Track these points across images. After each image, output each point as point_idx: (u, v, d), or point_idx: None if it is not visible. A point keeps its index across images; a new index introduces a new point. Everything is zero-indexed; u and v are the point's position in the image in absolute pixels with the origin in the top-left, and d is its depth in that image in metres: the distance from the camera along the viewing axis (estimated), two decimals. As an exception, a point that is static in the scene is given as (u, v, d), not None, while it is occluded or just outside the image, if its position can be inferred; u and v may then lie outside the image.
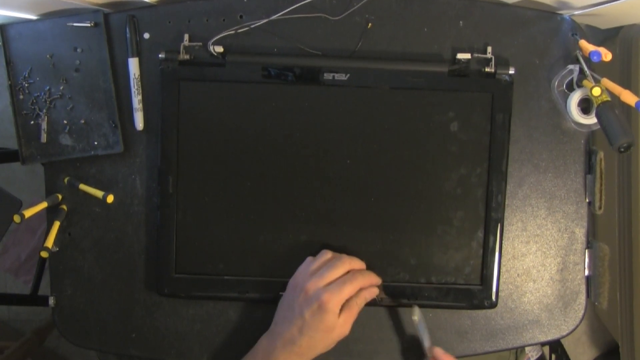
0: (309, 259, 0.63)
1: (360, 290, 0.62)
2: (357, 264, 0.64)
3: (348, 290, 0.60)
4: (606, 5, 0.63)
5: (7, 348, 1.09)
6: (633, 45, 0.78)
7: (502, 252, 0.67)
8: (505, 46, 0.68)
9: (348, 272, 0.62)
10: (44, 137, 0.68)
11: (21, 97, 0.68)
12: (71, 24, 0.67)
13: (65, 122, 0.68)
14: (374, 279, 0.64)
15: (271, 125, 0.66)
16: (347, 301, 0.60)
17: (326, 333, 0.59)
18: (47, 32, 0.67)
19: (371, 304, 0.66)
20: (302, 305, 0.59)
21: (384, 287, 0.66)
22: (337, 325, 0.59)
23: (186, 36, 0.67)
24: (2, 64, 0.67)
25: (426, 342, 0.64)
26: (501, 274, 0.68)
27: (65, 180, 0.69)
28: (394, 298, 0.67)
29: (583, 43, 0.65)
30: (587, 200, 0.70)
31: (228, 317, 0.63)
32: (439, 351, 0.63)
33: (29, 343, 1.13)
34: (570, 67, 0.66)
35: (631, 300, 0.85)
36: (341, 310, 0.60)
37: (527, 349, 0.93)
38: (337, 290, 0.59)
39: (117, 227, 0.69)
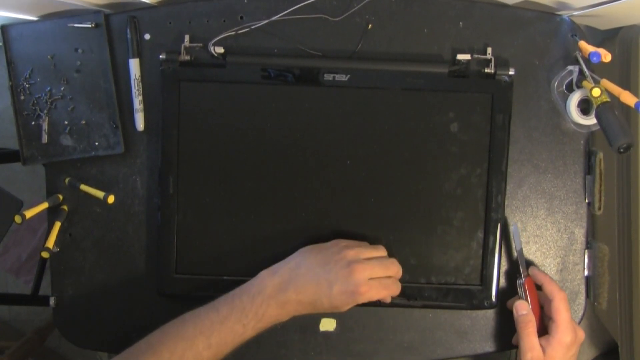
0: (360, 242, 0.64)
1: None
2: (400, 271, 0.64)
3: (381, 294, 0.60)
4: (605, 6, 0.63)
5: (8, 348, 1.09)
6: (632, 46, 0.78)
7: (502, 252, 0.68)
8: (505, 47, 0.68)
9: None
10: (44, 138, 0.68)
11: (22, 97, 0.68)
12: (72, 24, 0.67)
13: (66, 122, 0.68)
14: (399, 290, 0.64)
15: (271, 126, 0.66)
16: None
17: (329, 307, 0.60)
18: (48, 33, 0.67)
19: (371, 304, 0.66)
20: (336, 276, 0.59)
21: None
22: (344, 305, 0.60)
23: (187, 37, 0.67)
24: (3, 64, 0.67)
25: (521, 262, 0.66)
26: (501, 274, 0.68)
27: (66, 180, 0.69)
28: (394, 298, 0.67)
29: (582, 44, 0.65)
30: (586, 201, 0.70)
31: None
32: (534, 269, 0.67)
33: (30, 343, 1.13)
34: (570, 68, 0.66)
35: (630, 301, 0.85)
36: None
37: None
38: (374, 289, 0.60)
39: (117, 228, 0.70)
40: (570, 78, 0.66)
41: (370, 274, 0.60)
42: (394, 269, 0.63)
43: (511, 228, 0.68)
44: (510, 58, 0.68)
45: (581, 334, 0.62)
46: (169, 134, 0.66)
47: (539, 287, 0.66)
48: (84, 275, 0.70)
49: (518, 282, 0.66)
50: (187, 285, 0.67)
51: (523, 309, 0.64)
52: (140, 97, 0.68)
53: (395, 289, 0.62)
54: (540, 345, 0.61)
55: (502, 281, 0.69)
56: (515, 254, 0.69)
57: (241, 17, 0.68)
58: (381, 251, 0.64)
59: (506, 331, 0.70)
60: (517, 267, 0.68)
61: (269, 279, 0.60)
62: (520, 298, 0.65)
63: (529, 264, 0.69)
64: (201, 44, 0.67)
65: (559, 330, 0.61)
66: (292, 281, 0.59)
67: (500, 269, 0.67)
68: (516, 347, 0.69)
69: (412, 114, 0.66)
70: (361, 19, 0.68)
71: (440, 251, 0.67)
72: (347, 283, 0.59)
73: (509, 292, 0.69)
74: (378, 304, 0.66)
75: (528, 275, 0.66)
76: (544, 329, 0.63)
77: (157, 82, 0.68)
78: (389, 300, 0.64)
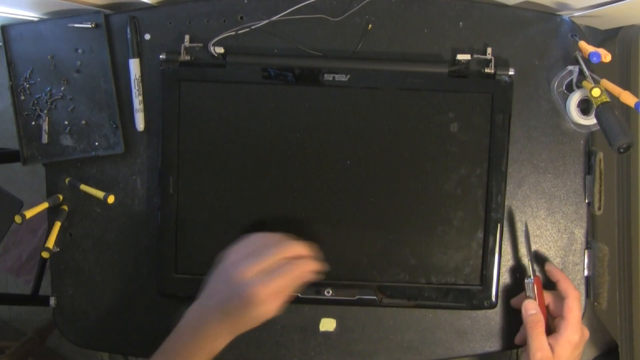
0: (246, 237, 0.60)
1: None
2: (298, 249, 0.59)
3: (277, 282, 0.55)
4: (605, 6, 0.63)
5: (8, 348, 1.09)
6: (632, 46, 0.78)
7: (502, 252, 0.68)
8: (505, 47, 0.68)
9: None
10: (45, 138, 0.68)
11: (22, 97, 0.68)
12: (72, 25, 0.67)
13: (66, 122, 0.68)
14: (311, 267, 0.59)
15: (271, 126, 0.66)
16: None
17: (249, 319, 0.56)
18: (48, 33, 0.67)
19: (371, 304, 0.67)
20: (228, 292, 0.56)
21: (383, 288, 0.67)
22: (261, 312, 0.56)
23: (187, 37, 0.67)
24: (3, 64, 0.68)
25: (530, 261, 0.66)
26: (501, 274, 0.68)
27: (66, 180, 0.69)
28: (394, 298, 0.67)
29: (582, 44, 0.65)
30: (586, 201, 0.70)
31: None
32: (550, 265, 0.67)
33: (30, 343, 1.14)
34: (570, 68, 0.66)
35: (630, 301, 0.85)
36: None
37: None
38: (267, 282, 0.55)
39: (117, 228, 0.70)
40: (570, 78, 0.66)
41: (254, 270, 0.55)
42: (288, 249, 0.58)
43: (521, 227, 0.68)
44: (510, 58, 0.68)
45: (587, 333, 0.63)
46: (169, 134, 0.66)
47: (545, 286, 0.66)
48: (84, 275, 0.70)
49: (526, 281, 0.66)
50: (187, 285, 0.67)
51: (532, 308, 0.64)
52: (140, 97, 0.68)
53: (298, 268, 0.57)
54: (549, 344, 0.61)
55: (502, 281, 0.69)
56: (519, 252, 0.69)
57: (241, 17, 0.68)
58: (277, 253, 0.58)
59: (506, 331, 0.70)
60: (523, 265, 0.68)
61: (191, 313, 0.58)
62: (527, 297, 0.65)
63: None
64: (201, 44, 0.67)
65: (569, 328, 0.61)
66: (213, 310, 0.57)
67: (500, 269, 0.67)
68: (518, 346, 0.69)
69: (412, 114, 0.66)
70: (361, 19, 0.68)
71: (440, 251, 0.67)
72: (232, 292, 0.55)
73: (509, 292, 0.69)
74: (378, 303, 0.67)
75: (537, 274, 0.66)
76: (548, 328, 0.63)
77: (157, 82, 0.68)
78: (316, 278, 0.60)
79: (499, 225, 0.66)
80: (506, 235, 0.69)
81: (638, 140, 0.75)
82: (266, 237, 0.60)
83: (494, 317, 0.70)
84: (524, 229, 0.68)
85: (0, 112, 1.39)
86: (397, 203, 0.66)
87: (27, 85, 0.68)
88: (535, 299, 0.64)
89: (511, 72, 0.66)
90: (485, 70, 0.67)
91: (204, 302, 0.58)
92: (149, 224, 0.69)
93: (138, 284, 0.70)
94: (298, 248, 0.59)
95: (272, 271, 0.56)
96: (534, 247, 0.70)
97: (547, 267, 0.67)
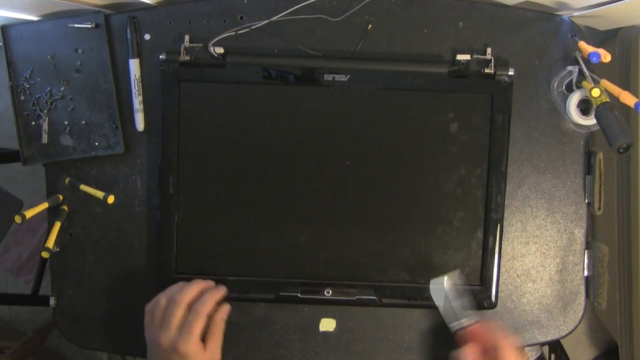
0: (148, 309, 0.63)
1: (216, 310, 0.63)
2: (195, 289, 0.62)
3: (197, 325, 0.59)
4: (605, 6, 0.63)
5: (8, 348, 1.09)
6: (632, 46, 0.78)
7: (502, 252, 0.68)
8: (505, 47, 0.68)
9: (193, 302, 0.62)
10: (45, 138, 0.68)
11: (22, 98, 0.68)
12: (72, 25, 0.67)
13: (66, 122, 0.68)
14: (216, 296, 0.62)
15: (271, 126, 0.66)
16: (209, 328, 0.62)
17: None
18: (48, 33, 0.67)
19: (371, 304, 0.67)
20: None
21: (383, 288, 0.67)
22: (206, 358, 0.60)
23: (187, 37, 0.67)
24: (3, 64, 0.68)
25: (460, 313, 0.61)
26: (501, 274, 0.68)
27: (66, 180, 0.69)
28: (394, 298, 0.67)
29: (582, 44, 0.65)
30: (586, 201, 0.70)
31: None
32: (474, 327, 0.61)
33: (30, 343, 1.13)
34: (570, 68, 0.66)
35: (630, 301, 0.85)
36: (206, 339, 0.61)
37: (526, 349, 0.93)
38: (187, 333, 0.59)
39: (117, 228, 0.70)
40: (570, 78, 0.66)
41: (172, 331, 0.60)
42: (188, 294, 0.61)
43: (432, 287, 0.64)
44: (510, 58, 0.68)
45: None
46: (169, 134, 0.66)
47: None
48: (84, 275, 0.70)
49: (460, 330, 0.61)
50: (187, 285, 0.67)
51: (468, 356, 0.59)
52: (140, 97, 0.68)
53: (204, 307, 0.60)
54: None
55: (502, 281, 0.69)
56: (518, 252, 0.69)
57: (241, 17, 0.68)
58: (181, 305, 0.61)
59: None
60: (455, 319, 0.63)
61: None
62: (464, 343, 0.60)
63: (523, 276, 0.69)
64: (201, 44, 0.67)
65: None
66: None
67: (500, 269, 0.67)
68: (518, 347, 0.69)
69: (412, 114, 0.66)
70: (361, 19, 0.68)
71: (440, 251, 0.67)
72: (170, 358, 0.59)
73: (509, 292, 0.69)
74: (378, 303, 0.67)
75: (475, 321, 0.61)
76: None
77: (157, 82, 0.68)
78: (227, 307, 0.63)
79: (498, 225, 0.66)
80: (507, 236, 0.69)
81: (638, 140, 0.76)
82: (163, 297, 0.62)
83: (493, 317, 0.70)
84: (433, 288, 0.64)
85: (0, 112, 1.39)
86: (397, 203, 0.66)
87: (27, 85, 0.68)
88: (472, 347, 0.59)
89: (511, 72, 0.66)
90: (485, 71, 0.67)
91: None
92: (149, 224, 0.69)
93: (138, 284, 0.70)
94: (195, 288, 0.62)
95: (185, 323, 0.60)
96: (534, 248, 0.70)
97: (471, 329, 0.61)
